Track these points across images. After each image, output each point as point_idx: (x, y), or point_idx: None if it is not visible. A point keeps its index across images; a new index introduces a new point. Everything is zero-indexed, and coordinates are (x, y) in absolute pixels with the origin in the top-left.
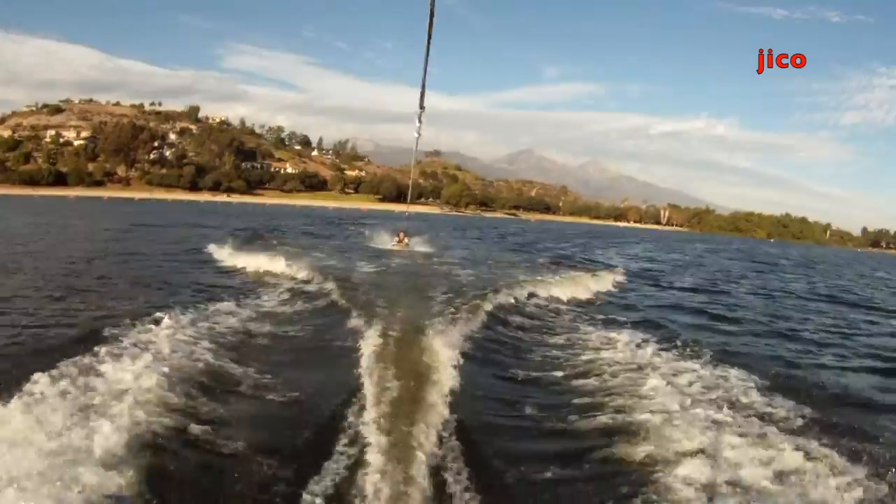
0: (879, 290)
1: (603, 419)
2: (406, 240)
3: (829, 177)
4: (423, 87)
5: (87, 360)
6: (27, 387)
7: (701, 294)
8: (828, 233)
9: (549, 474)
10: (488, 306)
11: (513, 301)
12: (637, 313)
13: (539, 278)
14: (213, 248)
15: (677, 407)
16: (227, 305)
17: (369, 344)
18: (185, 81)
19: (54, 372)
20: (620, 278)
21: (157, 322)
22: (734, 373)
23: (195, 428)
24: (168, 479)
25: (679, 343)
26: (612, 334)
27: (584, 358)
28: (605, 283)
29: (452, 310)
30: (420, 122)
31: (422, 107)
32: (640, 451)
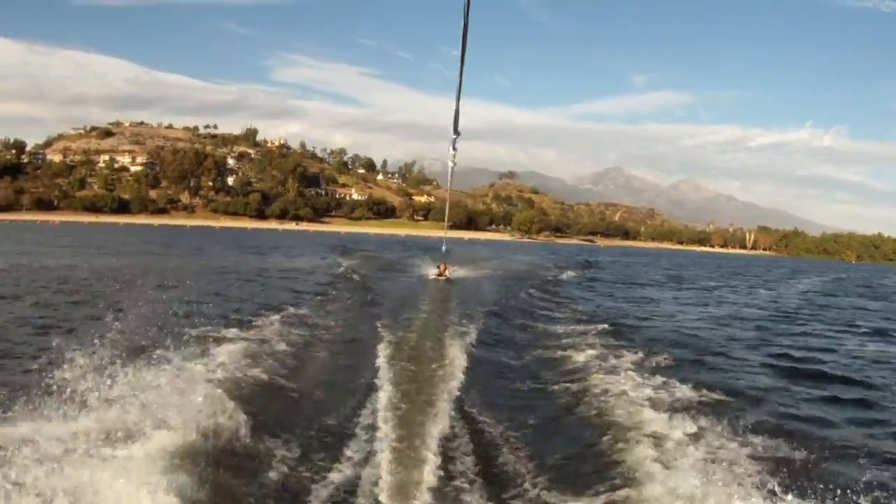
0: None
1: (597, 413)
2: (447, 272)
3: None
4: (457, 111)
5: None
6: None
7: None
8: None
9: (552, 466)
10: (497, 309)
11: (521, 302)
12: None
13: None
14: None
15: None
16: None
17: (390, 341)
18: (232, 96)
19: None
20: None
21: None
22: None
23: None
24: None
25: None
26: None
27: (568, 353)
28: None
29: (467, 313)
30: (454, 149)
31: (456, 132)
32: (637, 451)
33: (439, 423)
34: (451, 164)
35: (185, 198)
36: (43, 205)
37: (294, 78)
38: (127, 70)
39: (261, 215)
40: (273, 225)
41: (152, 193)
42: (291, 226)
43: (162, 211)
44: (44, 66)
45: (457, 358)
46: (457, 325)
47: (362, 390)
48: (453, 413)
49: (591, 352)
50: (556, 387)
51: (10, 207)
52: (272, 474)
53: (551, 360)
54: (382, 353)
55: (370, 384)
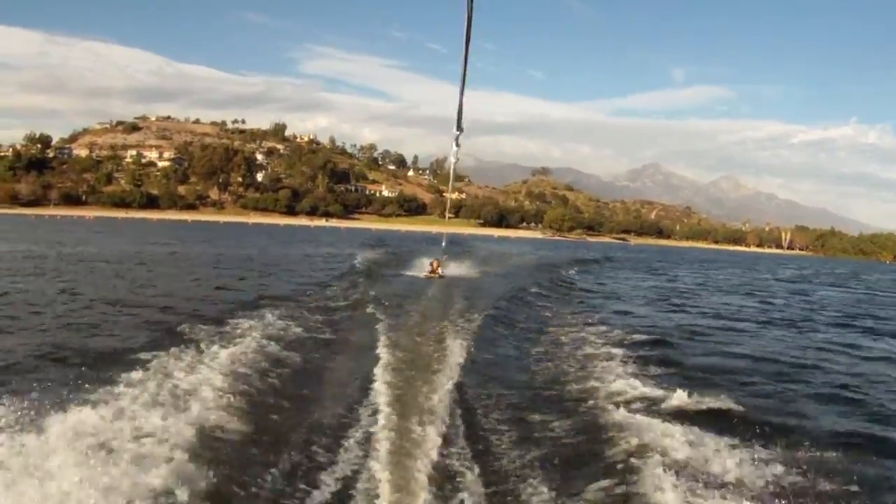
0: None
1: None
2: (440, 269)
3: None
4: (461, 107)
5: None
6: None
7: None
8: None
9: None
10: (498, 305)
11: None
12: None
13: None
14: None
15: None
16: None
17: (388, 338)
18: (258, 89)
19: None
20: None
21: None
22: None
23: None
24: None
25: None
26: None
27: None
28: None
29: (466, 309)
30: (457, 145)
31: (459, 128)
32: (626, 447)
33: (438, 417)
34: (452, 159)
35: (214, 194)
36: (70, 200)
37: (322, 70)
38: (149, 61)
39: (290, 211)
40: (303, 221)
41: (181, 189)
42: (322, 222)
43: (191, 207)
44: (63, 57)
45: (454, 347)
46: (455, 317)
47: (362, 380)
48: (450, 404)
49: (578, 334)
50: (546, 373)
51: (37, 202)
52: (268, 473)
53: (544, 343)
54: (382, 345)
55: (370, 374)
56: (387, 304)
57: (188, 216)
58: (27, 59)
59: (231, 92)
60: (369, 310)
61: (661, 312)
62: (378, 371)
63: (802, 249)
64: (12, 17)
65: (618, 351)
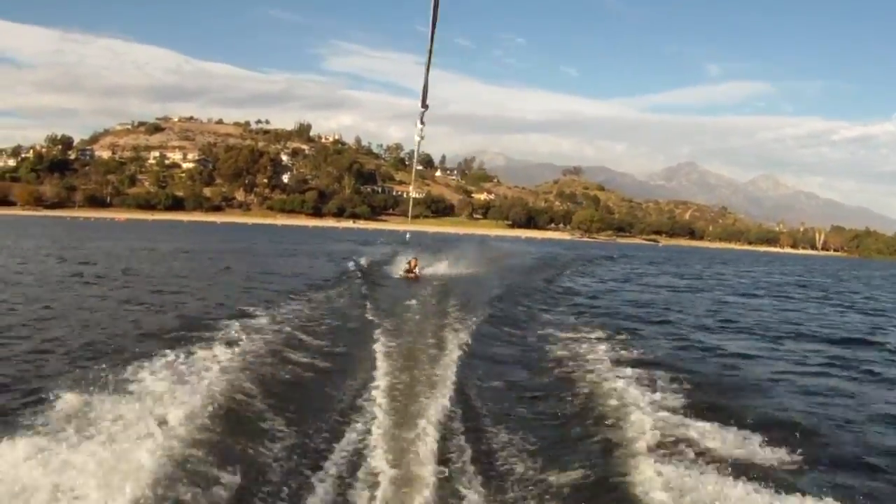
0: None
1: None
2: (417, 269)
3: None
4: (426, 82)
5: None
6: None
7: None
8: None
9: (550, 470)
10: (493, 306)
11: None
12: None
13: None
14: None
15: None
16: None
17: (385, 340)
18: (280, 86)
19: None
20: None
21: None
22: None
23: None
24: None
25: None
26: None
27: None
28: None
29: (462, 308)
30: (422, 123)
31: (424, 105)
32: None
33: (437, 411)
34: (417, 138)
35: (240, 195)
36: (95, 202)
37: (346, 67)
38: (168, 59)
39: (317, 213)
40: (331, 223)
41: (206, 191)
42: (349, 223)
43: (217, 208)
44: (79, 55)
45: (448, 339)
46: (451, 309)
47: (362, 371)
48: (449, 396)
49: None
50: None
51: (61, 204)
52: (266, 469)
53: (537, 336)
54: (378, 340)
55: (369, 366)
56: (386, 301)
57: (216, 218)
58: (42, 58)
59: (253, 90)
60: (369, 309)
61: (611, 281)
62: (376, 366)
63: (837, 250)
64: (27, 14)
65: (567, 308)
